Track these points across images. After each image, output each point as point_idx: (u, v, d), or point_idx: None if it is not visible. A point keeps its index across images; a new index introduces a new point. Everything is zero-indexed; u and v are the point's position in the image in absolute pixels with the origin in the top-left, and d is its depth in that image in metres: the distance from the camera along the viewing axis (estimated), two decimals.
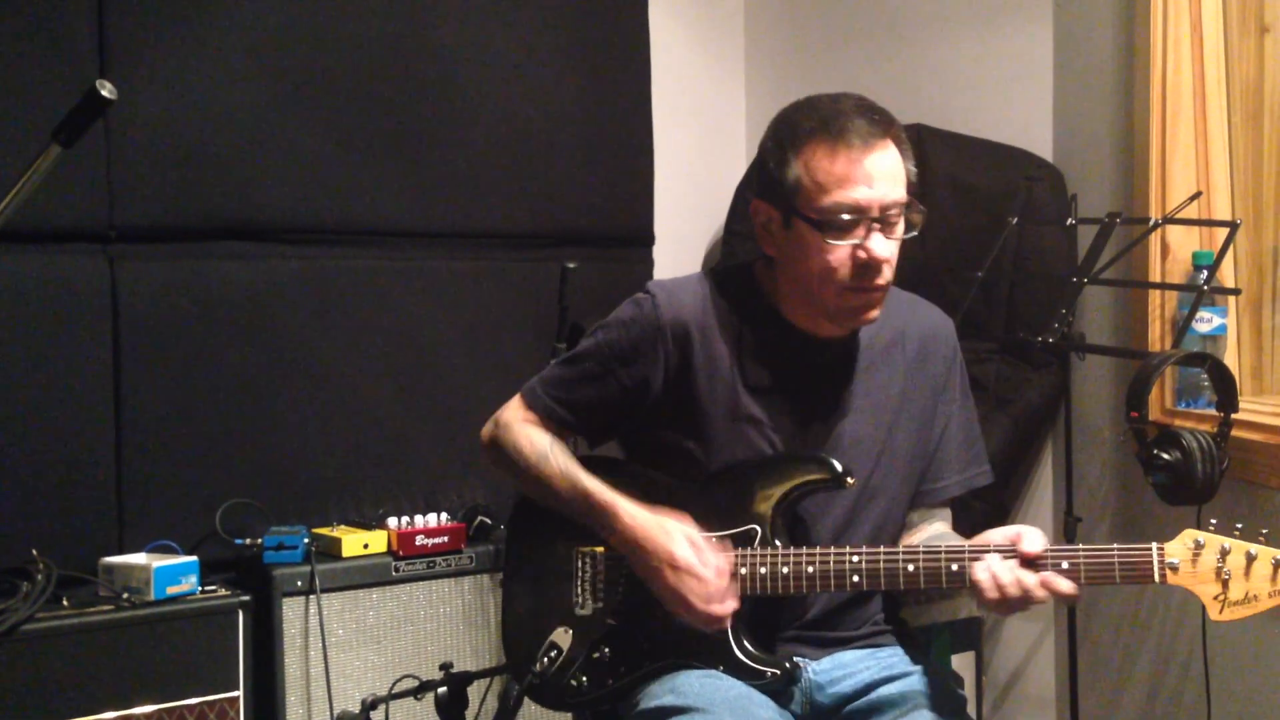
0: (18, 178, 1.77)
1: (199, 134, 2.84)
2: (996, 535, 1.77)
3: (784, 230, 1.85)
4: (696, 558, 1.80)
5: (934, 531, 1.97)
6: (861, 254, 1.80)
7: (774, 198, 1.85)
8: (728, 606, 1.81)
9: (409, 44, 3.11)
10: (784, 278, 1.90)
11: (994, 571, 1.71)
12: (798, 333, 1.91)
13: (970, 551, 1.75)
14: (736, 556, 1.84)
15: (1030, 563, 1.71)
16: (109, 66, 2.71)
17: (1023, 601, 1.71)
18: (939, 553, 1.76)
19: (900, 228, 1.83)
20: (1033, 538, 1.73)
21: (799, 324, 1.91)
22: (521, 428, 1.99)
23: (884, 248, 1.80)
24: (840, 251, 1.80)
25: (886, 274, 1.83)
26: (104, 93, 1.72)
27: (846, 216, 1.79)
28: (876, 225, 1.79)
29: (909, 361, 1.97)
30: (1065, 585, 1.70)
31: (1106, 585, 1.73)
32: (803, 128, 1.81)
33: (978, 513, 2.59)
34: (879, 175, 1.78)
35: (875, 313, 1.87)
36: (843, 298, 1.84)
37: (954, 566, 1.75)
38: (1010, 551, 1.72)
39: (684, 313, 1.92)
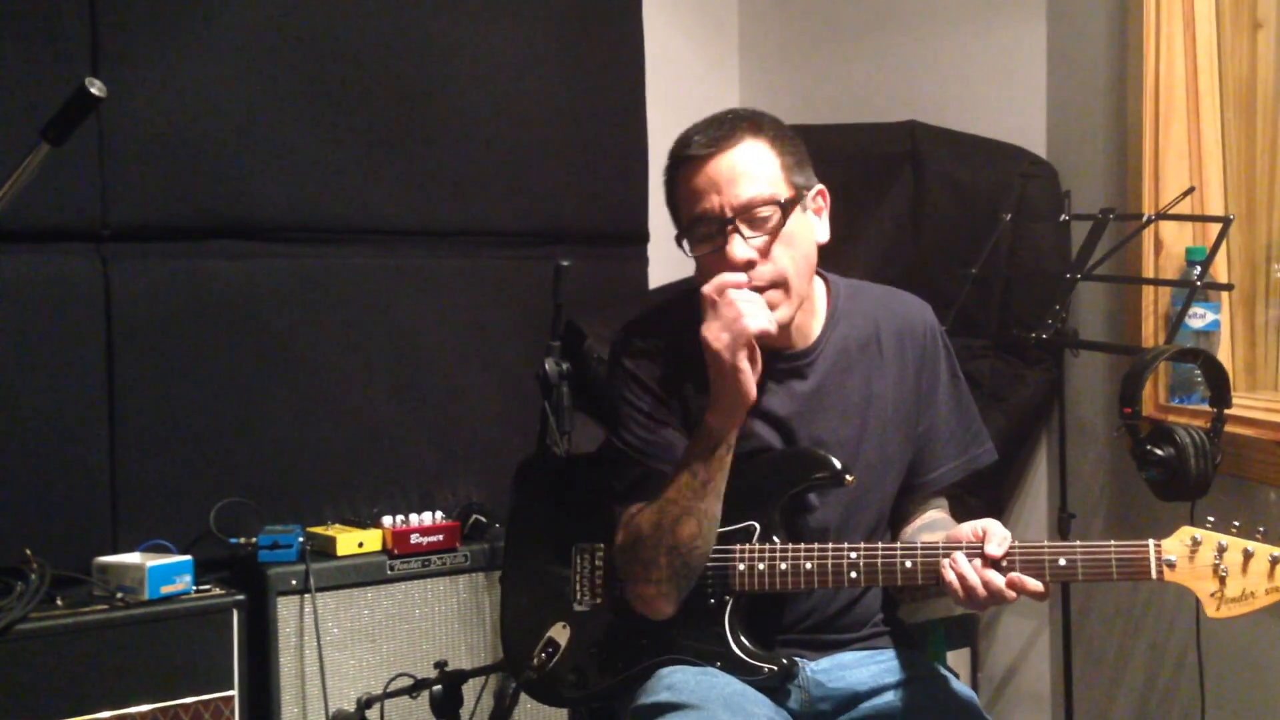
0: (8, 176, 1.76)
1: (192, 132, 2.83)
2: (965, 530, 1.78)
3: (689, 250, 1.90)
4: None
5: (928, 519, 1.97)
6: (725, 260, 1.82)
7: (677, 232, 1.92)
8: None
9: (402, 42, 3.11)
10: None
11: (961, 573, 1.72)
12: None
13: (968, 548, 1.75)
14: (738, 552, 1.85)
15: (996, 561, 1.72)
16: (101, 64, 2.70)
17: (993, 600, 1.72)
18: (937, 549, 1.76)
19: (770, 223, 1.83)
20: (996, 539, 1.73)
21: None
22: (626, 512, 1.91)
23: (740, 249, 1.81)
24: (708, 259, 1.85)
25: (765, 273, 1.82)
26: (93, 90, 1.72)
27: (701, 227, 1.85)
28: (732, 228, 1.82)
29: (888, 357, 1.96)
30: (1033, 584, 1.70)
31: (1104, 582, 1.73)
32: (667, 162, 1.92)
33: (973, 508, 2.59)
34: (723, 179, 1.83)
35: (783, 313, 1.85)
36: None
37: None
38: (977, 549, 1.73)
39: (643, 353, 1.95)
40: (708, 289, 1.81)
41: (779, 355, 1.91)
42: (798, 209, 1.86)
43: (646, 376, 1.93)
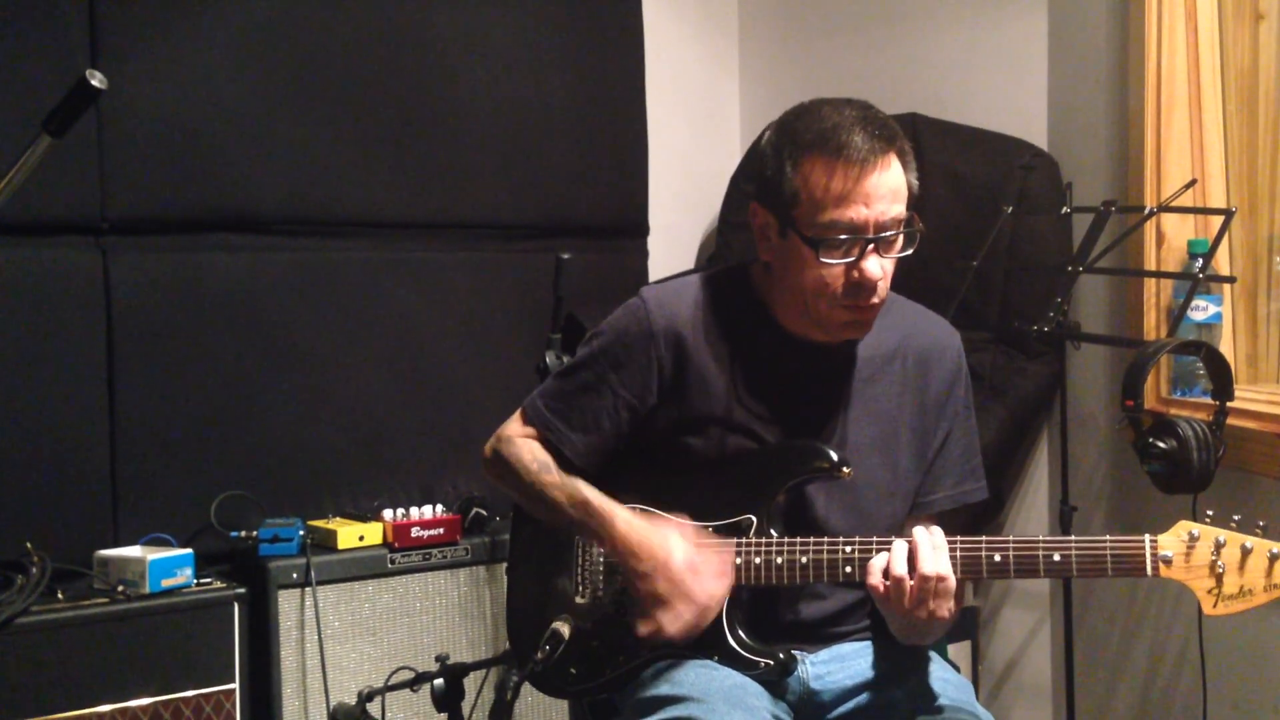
0: (8, 168, 1.76)
1: (192, 125, 2.83)
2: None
3: (780, 239, 1.83)
4: (692, 561, 1.79)
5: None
6: (855, 274, 1.78)
7: (771, 205, 1.83)
8: (716, 609, 1.81)
9: (403, 35, 3.10)
10: (779, 284, 1.88)
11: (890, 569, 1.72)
12: (793, 339, 1.89)
13: (963, 542, 1.74)
14: (735, 545, 1.84)
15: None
16: (101, 56, 2.70)
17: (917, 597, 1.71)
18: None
19: (899, 244, 1.80)
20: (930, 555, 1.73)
21: (794, 330, 1.89)
22: (523, 441, 1.97)
23: (877, 268, 1.77)
24: (834, 269, 1.78)
25: (881, 291, 1.81)
26: (94, 82, 1.71)
27: (842, 236, 1.76)
28: (872, 245, 1.77)
29: (908, 375, 1.94)
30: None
31: (1098, 577, 1.72)
32: (802, 139, 1.77)
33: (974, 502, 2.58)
34: (877, 194, 1.75)
35: (868, 327, 1.86)
36: (835, 312, 1.82)
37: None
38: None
39: (676, 319, 1.91)
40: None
41: (811, 346, 1.89)
42: None
43: (666, 342, 1.89)
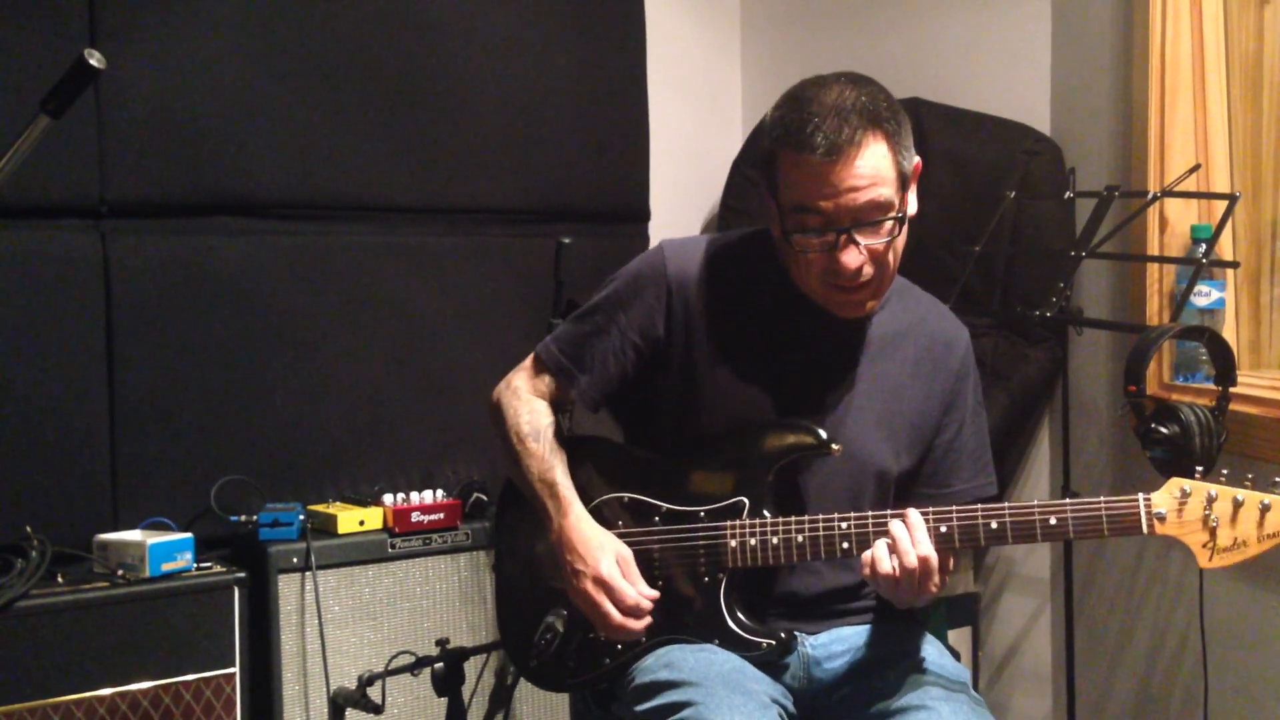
0: (6, 150, 1.75)
1: (192, 108, 2.82)
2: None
3: (777, 217, 1.85)
4: (621, 574, 1.84)
5: None
6: (832, 262, 1.78)
7: (766, 187, 1.85)
8: (640, 623, 1.84)
9: (404, 19, 3.09)
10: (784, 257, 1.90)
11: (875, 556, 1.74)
12: (808, 304, 1.89)
13: (960, 512, 1.75)
14: (729, 528, 1.84)
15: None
16: (99, 39, 2.68)
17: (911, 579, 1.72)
18: (927, 515, 1.76)
19: (884, 229, 1.78)
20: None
21: (810, 296, 1.89)
22: (528, 398, 2.00)
23: (852, 258, 1.76)
24: (812, 253, 1.79)
25: (867, 274, 1.80)
26: (92, 62, 1.70)
27: (806, 219, 1.77)
28: (846, 237, 1.76)
29: (918, 359, 1.95)
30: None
31: (1095, 538, 1.72)
32: (777, 130, 1.79)
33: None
34: (845, 185, 1.73)
35: (871, 305, 1.86)
36: (827, 292, 1.83)
37: (942, 528, 1.75)
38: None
39: (691, 267, 1.92)
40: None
41: (820, 312, 1.88)
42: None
43: (679, 287, 1.91)
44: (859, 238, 1.76)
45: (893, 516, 1.77)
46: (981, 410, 2.02)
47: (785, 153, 1.77)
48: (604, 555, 1.85)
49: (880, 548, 1.74)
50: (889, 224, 1.78)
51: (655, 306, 1.92)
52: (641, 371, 1.95)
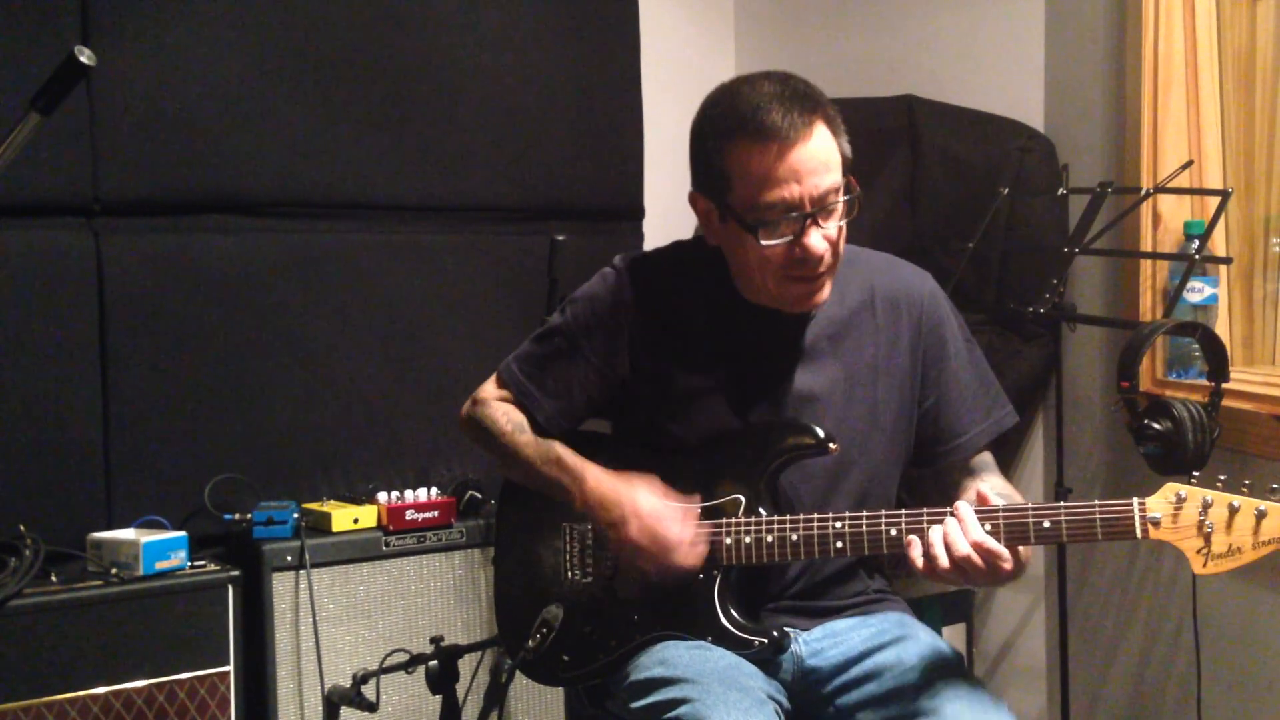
0: None
1: (184, 106, 2.81)
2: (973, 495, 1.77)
3: (721, 224, 1.85)
4: (662, 505, 1.82)
5: (990, 486, 1.89)
6: (798, 250, 1.78)
7: (708, 192, 1.84)
8: (699, 549, 1.81)
9: (397, 16, 3.08)
10: (732, 264, 1.90)
11: (943, 542, 1.69)
12: (757, 310, 1.90)
13: (930, 514, 1.73)
14: (724, 525, 1.84)
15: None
16: (91, 36, 2.68)
17: (964, 571, 1.69)
18: (921, 515, 1.75)
19: (839, 212, 1.79)
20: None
21: (758, 301, 1.90)
22: (497, 404, 2.02)
23: (820, 241, 1.78)
24: (776, 248, 1.79)
25: (828, 259, 1.81)
26: (83, 59, 1.70)
27: (778, 215, 1.77)
28: (810, 219, 1.77)
29: (879, 322, 1.94)
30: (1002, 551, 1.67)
31: (1089, 542, 1.72)
32: (723, 125, 1.78)
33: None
34: (805, 169, 1.74)
35: (823, 295, 1.86)
36: (784, 286, 1.83)
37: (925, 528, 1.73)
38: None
39: (647, 285, 1.93)
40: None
41: (776, 314, 1.89)
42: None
43: (637, 311, 1.91)
44: (821, 221, 1.78)
45: (930, 518, 1.72)
46: (972, 345, 1.99)
47: (740, 144, 1.76)
48: (636, 492, 1.83)
49: (935, 541, 1.69)
50: (844, 205, 1.79)
51: (616, 331, 1.93)
52: (607, 397, 1.97)
